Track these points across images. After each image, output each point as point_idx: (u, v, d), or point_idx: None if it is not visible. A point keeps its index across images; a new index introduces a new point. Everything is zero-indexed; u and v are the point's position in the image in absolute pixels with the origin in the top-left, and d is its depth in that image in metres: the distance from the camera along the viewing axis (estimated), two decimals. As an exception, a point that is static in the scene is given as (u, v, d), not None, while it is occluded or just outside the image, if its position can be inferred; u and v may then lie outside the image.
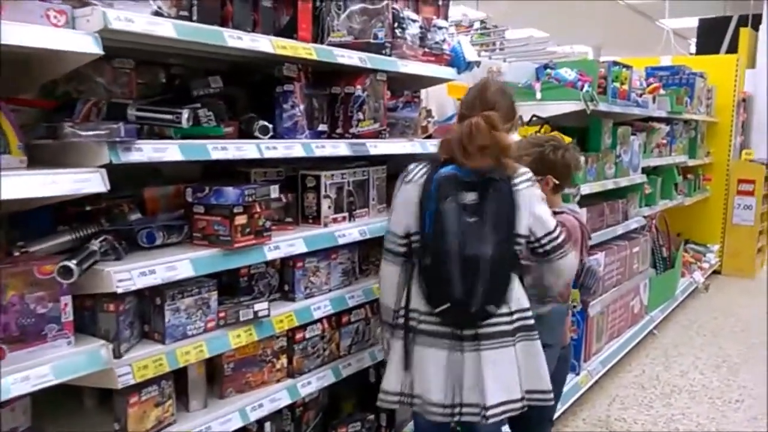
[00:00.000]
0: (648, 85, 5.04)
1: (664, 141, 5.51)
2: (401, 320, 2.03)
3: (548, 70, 4.07)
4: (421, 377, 1.98)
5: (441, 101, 3.24)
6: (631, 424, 3.69)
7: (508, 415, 2.01)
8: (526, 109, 3.77)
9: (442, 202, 1.91)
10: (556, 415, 2.90)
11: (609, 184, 4.23)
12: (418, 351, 1.99)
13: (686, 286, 5.94)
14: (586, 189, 3.87)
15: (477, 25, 3.92)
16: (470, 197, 1.93)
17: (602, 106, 3.92)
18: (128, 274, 1.51)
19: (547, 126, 3.70)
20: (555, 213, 2.25)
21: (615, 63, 4.24)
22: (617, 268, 4.37)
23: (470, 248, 1.90)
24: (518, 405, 1.99)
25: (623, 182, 4.45)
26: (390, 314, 2.12)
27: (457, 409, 1.98)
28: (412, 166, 2.03)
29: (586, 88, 3.77)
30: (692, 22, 11.48)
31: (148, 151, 1.53)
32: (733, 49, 10.19)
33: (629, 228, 4.53)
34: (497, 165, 1.96)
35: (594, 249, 4.07)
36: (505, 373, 1.97)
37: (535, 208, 2.01)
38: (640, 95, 4.80)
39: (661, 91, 5.31)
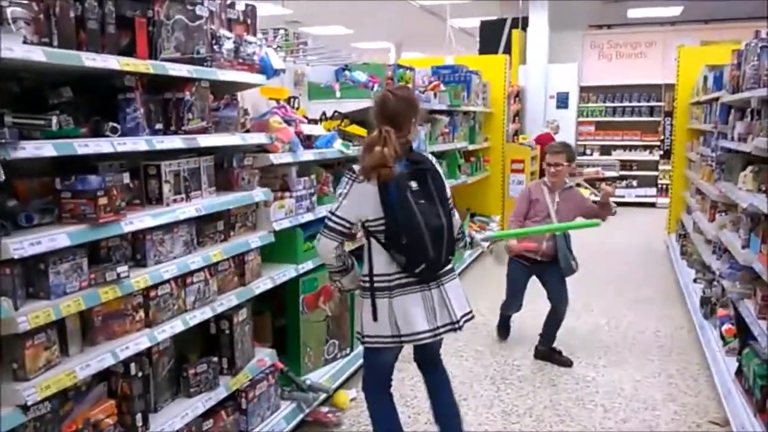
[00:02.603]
0: (429, 83, 6.00)
1: (447, 130, 6.51)
2: (368, 284, 2.70)
3: (345, 72, 4.81)
4: (406, 319, 2.65)
5: (255, 101, 3.81)
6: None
7: (468, 323, 2.82)
8: (328, 106, 4.48)
9: (403, 193, 2.56)
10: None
11: (401, 167, 5.07)
12: (398, 301, 2.66)
13: (475, 249, 7.08)
14: (381, 171, 4.67)
15: (282, 32, 4.53)
16: (413, 185, 2.61)
17: (390, 102, 4.72)
18: (20, 244, 1.94)
19: (347, 120, 4.43)
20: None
21: (399, 66, 5.10)
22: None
23: (432, 222, 2.59)
24: (471, 315, 2.84)
25: (413, 164, 5.32)
26: (334, 267, 2.80)
27: (438, 330, 2.71)
28: (357, 169, 2.65)
29: (376, 88, 4.56)
30: (477, 23, 12.75)
31: (30, 150, 1.97)
32: (509, 48, 11.63)
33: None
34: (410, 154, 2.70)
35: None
36: (459, 295, 2.80)
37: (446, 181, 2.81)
38: (423, 92, 5.73)
39: (442, 88, 6.30)
